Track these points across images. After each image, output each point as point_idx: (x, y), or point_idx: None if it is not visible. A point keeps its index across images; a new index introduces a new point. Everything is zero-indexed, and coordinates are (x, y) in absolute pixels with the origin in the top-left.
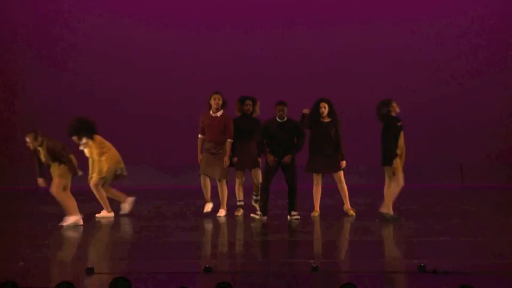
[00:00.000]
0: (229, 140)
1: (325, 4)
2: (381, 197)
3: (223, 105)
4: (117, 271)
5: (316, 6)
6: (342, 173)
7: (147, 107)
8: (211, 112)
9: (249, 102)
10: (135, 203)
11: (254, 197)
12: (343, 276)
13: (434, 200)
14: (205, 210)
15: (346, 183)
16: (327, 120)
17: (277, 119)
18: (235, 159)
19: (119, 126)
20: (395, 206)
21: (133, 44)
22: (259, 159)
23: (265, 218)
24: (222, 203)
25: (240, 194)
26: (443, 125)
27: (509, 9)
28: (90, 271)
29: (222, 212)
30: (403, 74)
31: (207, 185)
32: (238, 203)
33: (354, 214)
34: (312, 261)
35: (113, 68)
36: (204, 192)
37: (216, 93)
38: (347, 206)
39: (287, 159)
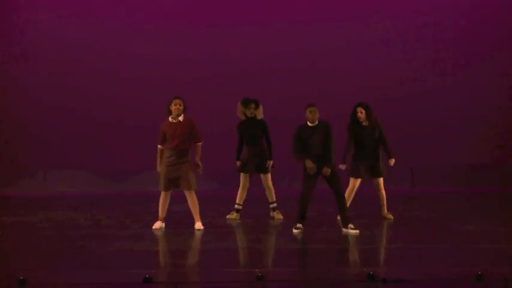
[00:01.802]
0: (199, 143)
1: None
2: (328, 203)
3: (185, 111)
4: (52, 282)
5: (300, 5)
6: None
7: (89, 112)
8: (170, 119)
9: (252, 105)
10: (72, 210)
11: (271, 205)
12: (289, 285)
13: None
14: (154, 227)
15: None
16: (366, 124)
17: (308, 123)
18: (239, 163)
19: (54, 130)
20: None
21: (92, 47)
22: (270, 163)
23: (300, 225)
24: (196, 215)
25: (241, 198)
26: (394, 129)
27: (472, 10)
28: (22, 283)
29: (198, 225)
30: (360, 77)
31: (165, 203)
32: (236, 206)
33: (392, 218)
34: (256, 270)
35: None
36: (160, 210)
37: (177, 98)
38: (384, 211)
39: (325, 171)
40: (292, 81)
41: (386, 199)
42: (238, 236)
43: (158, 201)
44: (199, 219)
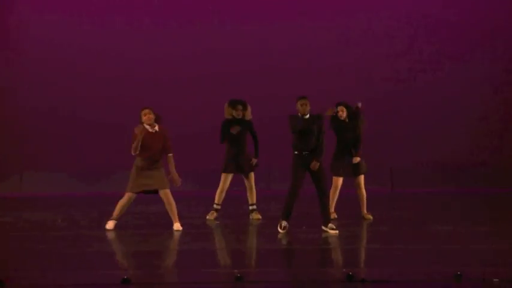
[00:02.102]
0: (170, 154)
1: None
2: (307, 203)
3: (158, 120)
4: (30, 283)
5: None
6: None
7: (66, 112)
8: (149, 129)
9: (239, 107)
10: (49, 211)
11: (250, 207)
12: (268, 286)
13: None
14: (107, 227)
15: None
16: (347, 122)
17: (300, 115)
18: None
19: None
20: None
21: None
22: (255, 160)
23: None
24: (173, 216)
25: (220, 198)
26: (373, 129)
27: (448, 7)
28: (0, 284)
29: (177, 226)
30: (334, 76)
31: (127, 204)
32: (215, 206)
33: (371, 218)
34: (235, 270)
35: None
36: (118, 210)
37: (146, 108)
38: (364, 211)
39: (313, 165)
40: (276, 81)
41: (367, 199)
42: (218, 236)
43: (131, 202)
44: (178, 220)
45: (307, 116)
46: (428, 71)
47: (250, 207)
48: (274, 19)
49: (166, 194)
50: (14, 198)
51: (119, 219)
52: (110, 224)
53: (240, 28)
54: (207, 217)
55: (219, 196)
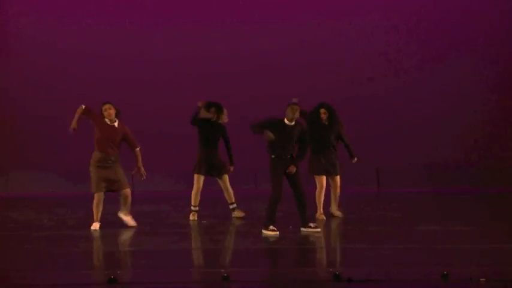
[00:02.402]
0: (137, 149)
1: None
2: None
3: (118, 115)
4: (17, 283)
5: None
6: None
7: (49, 109)
8: (108, 122)
9: (213, 109)
10: (35, 211)
11: (231, 206)
12: (255, 285)
13: (350, 205)
14: (92, 228)
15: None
16: (326, 124)
17: (286, 120)
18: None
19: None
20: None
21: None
22: (231, 168)
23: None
24: (127, 210)
25: (196, 200)
26: (359, 127)
27: (446, 8)
28: None
29: (132, 222)
30: (317, 73)
31: (100, 203)
32: (193, 208)
33: (340, 215)
34: (222, 270)
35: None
36: (96, 212)
37: (107, 103)
38: (333, 208)
39: (291, 169)
40: (276, 81)
41: (348, 198)
42: (204, 236)
43: (116, 201)
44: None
45: (293, 123)
46: (416, 71)
47: (231, 207)
48: (276, 19)
49: (126, 194)
50: (1, 198)
51: (101, 220)
52: (95, 226)
53: (242, 28)
54: (190, 218)
55: (194, 198)
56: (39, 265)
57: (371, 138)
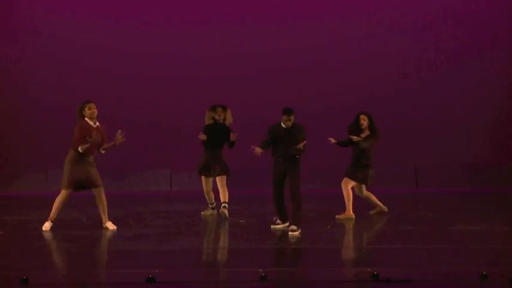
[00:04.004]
0: (103, 151)
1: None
2: (331, 203)
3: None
4: (54, 282)
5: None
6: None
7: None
8: (91, 123)
9: (219, 109)
10: (74, 210)
11: (223, 204)
12: (294, 285)
13: (388, 205)
14: (44, 228)
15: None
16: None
17: (282, 124)
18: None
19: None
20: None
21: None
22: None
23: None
24: (104, 215)
25: (211, 198)
26: (398, 128)
27: (475, 8)
28: (24, 282)
29: (111, 225)
30: (358, 75)
31: (64, 202)
32: (210, 206)
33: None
34: (260, 270)
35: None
36: (56, 209)
37: (91, 101)
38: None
39: (298, 149)
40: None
41: (386, 198)
42: (242, 236)
43: (159, 201)
44: (108, 219)
45: (289, 125)
46: (452, 69)
47: (223, 204)
48: (286, 20)
49: (100, 192)
50: (40, 196)
51: (140, 219)
52: (46, 225)
53: (265, 29)
54: (202, 213)
55: (208, 197)
56: (78, 263)
57: (409, 137)
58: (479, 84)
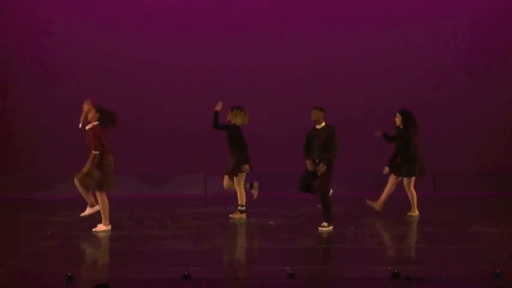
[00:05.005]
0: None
1: (313, 9)
2: (354, 205)
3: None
4: (98, 278)
5: (305, 12)
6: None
7: (129, 117)
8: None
9: (235, 111)
10: (117, 211)
11: (239, 207)
12: (321, 282)
13: (407, 207)
14: (98, 230)
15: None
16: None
17: (316, 125)
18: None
19: None
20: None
21: (124, 55)
22: (246, 166)
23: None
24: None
25: (242, 199)
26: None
27: (496, 16)
28: (70, 279)
29: (101, 227)
30: (379, 82)
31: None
32: (239, 208)
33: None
34: (288, 268)
35: (105, 78)
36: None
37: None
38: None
39: (320, 168)
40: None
41: (406, 201)
42: (271, 236)
43: (190, 203)
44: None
45: (321, 126)
46: (468, 77)
47: (239, 207)
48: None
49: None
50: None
51: (175, 221)
52: (102, 227)
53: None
54: (231, 216)
55: (242, 197)
56: (119, 262)
57: (428, 144)
58: (500, 92)
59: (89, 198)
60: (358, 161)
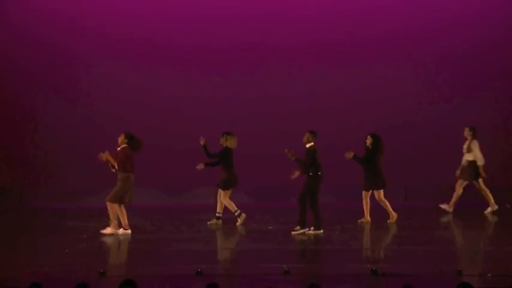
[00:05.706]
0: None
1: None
2: (340, 212)
3: None
4: (125, 274)
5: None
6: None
7: (153, 141)
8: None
9: (225, 136)
10: (140, 218)
11: (217, 214)
12: (310, 278)
13: (385, 215)
14: (120, 232)
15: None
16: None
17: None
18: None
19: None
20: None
21: (139, 83)
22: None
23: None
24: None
25: (231, 206)
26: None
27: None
28: (102, 274)
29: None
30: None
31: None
32: (236, 213)
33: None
34: (284, 265)
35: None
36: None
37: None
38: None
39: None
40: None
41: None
42: (271, 238)
43: (202, 212)
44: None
45: (307, 145)
46: (443, 90)
47: (217, 215)
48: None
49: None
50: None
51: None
52: (124, 232)
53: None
54: (208, 222)
55: (231, 206)
56: (142, 260)
57: (399, 158)
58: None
59: (114, 221)
60: (346, 174)
